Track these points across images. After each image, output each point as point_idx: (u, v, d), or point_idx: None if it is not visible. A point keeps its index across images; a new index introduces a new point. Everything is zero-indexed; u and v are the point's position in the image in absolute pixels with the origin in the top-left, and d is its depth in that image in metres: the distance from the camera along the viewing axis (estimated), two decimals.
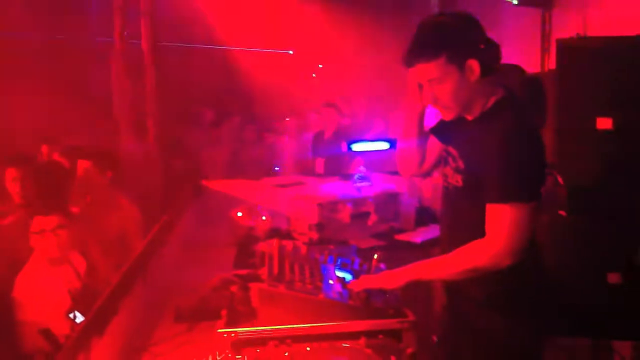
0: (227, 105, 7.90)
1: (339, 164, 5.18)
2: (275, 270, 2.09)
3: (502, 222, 1.82)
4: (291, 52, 10.86)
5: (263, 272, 2.13)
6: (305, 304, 1.96)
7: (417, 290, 2.06)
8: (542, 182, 1.91)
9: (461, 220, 2.02)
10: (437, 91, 1.92)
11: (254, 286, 2.12)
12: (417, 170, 2.29)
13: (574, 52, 3.03)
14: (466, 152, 1.99)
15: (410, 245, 3.33)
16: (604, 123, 3.00)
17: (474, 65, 1.87)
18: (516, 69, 3.13)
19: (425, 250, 3.15)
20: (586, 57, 2.99)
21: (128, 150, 5.71)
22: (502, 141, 1.84)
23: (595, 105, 2.99)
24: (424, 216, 3.53)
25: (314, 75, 11.09)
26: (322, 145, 5.89)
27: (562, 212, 3.02)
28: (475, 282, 1.94)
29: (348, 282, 2.01)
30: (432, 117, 2.15)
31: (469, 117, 2.00)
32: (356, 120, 8.08)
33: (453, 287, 2.13)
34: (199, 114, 7.10)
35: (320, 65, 11.08)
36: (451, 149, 2.06)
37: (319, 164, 5.84)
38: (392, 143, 3.47)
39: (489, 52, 1.90)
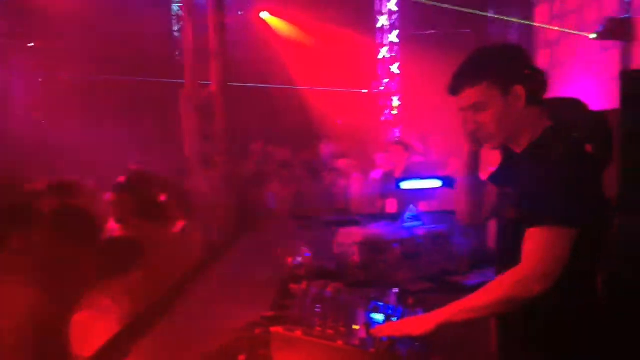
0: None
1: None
2: (297, 313, 2.00)
3: (535, 245, 1.76)
4: (365, 90, 10.88)
5: (286, 314, 2.04)
6: (322, 350, 1.85)
7: (469, 332, 1.97)
8: (589, 211, 1.80)
9: (514, 255, 1.87)
10: (480, 118, 1.90)
11: (272, 330, 2.02)
12: (476, 214, 2.24)
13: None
14: (517, 183, 1.94)
15: (462, 288, 3.13)
16: None
17: (519, 91, 1.85)
18: (575, 103, 2.92)
19: None
20: None
21: (196, 185, 5.86)
22: (548, 167, 1.81)
23: None
24: (479, 258, 3.33)
25: (394, 112, 11.04)
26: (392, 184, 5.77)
27: None
28: (522, 318, 1.86)
29: (374, 327, 1.90)
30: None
31: (517, 150, 1.97)
32: (430, 158, 7.92)
33: (502, 325, 2.06)
34: (271, 152, 7.19)
35: (398, 103, 11.03)
36: (506, 188, 2.02)
37: (390, 204, 5.70)
38: (445, 181, 3.30)
39: (534, 80, 1.88)
